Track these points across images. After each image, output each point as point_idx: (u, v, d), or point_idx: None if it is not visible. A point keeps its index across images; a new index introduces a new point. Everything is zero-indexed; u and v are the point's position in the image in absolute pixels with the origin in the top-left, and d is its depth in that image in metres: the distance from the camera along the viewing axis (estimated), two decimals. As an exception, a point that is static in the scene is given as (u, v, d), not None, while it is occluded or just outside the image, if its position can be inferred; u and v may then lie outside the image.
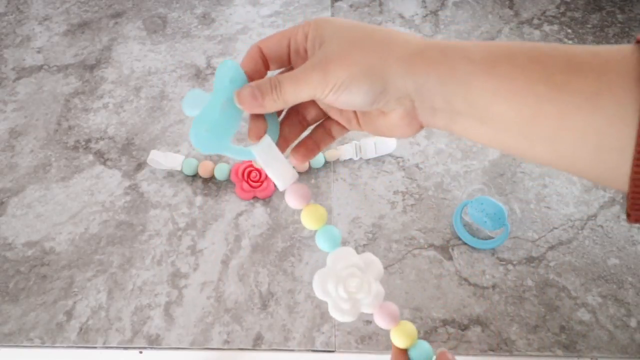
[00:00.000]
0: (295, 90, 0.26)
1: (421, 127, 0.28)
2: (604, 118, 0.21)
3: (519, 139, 0.24)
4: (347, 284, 0.29)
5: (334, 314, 0.29)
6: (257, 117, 0.29)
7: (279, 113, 0.31)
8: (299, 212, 0.52)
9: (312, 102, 0.30)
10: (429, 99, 0.25)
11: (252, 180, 0.52)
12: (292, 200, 0.30)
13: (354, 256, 0.30)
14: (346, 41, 0.26)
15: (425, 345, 0.31)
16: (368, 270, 0.30)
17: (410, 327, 0.31)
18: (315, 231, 0.30)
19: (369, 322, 0.45)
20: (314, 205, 0.30)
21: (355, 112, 0.29)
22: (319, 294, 0.29)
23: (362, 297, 0.29)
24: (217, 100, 0.28)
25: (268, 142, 0.29)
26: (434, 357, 0.31)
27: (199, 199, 0.53)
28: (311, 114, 0.31)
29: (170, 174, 0.54)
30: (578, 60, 0.22)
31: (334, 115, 0.31)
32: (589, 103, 0.21)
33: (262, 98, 0.27)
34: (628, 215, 0.23)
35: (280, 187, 0.30)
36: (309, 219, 0.30)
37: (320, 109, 0.31)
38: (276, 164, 0.29)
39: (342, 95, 0.26)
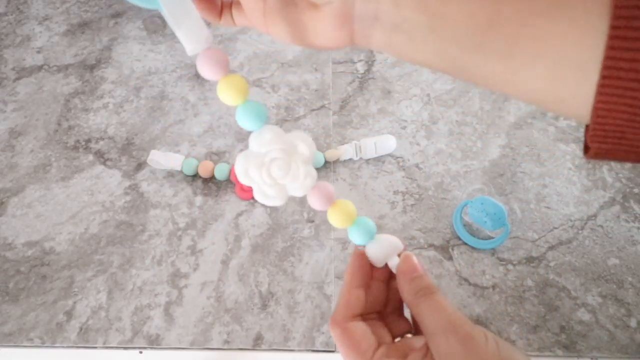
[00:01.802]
0: None
1: (351, 39, 0.24)
2: (569, 24, 0.18)
3: (471, 51, 0.21)
4: (270, 170, 0.26)
5: (258, 198, 0.27)
6: None
7: None
8: (299, 212, 0.52)
9: None
10: None
11: (252, 180, 0.52)
12: (205, 68, 0.24)
13: (278, 137, 0.26)
14: None
15: (364, 220, 0.28)
16: (295, 153, 0.26)
17: (348, 204, 0.28)
18: (236, 108, 0.26)
19: (369, 322, 0.45)
20: (233, 75, 0.25)
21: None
22: (242, 179, 0.26)
23: (289, 182, 0.26)
24: None
25: None
26: (379, 236, 0.29)
27: (199, 199, 0.53)
28: None
29: (170, 174, 0.54)
30: None
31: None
32: (553, 7, 0.19)
33: None
34: (586, 149, 0.21)
35: (190, 50, 0.24)
36: (228, 91, 0.25)
37: None
38: (187, 19, 0.24)
39: None
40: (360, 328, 0.26)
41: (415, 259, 0.28)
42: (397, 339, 0.28)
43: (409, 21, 0.22)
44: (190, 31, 0.24)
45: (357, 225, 0.28)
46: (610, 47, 0.18)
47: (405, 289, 0.26)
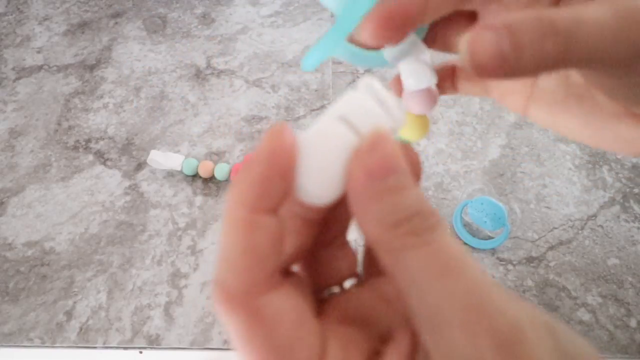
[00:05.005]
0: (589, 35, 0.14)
1: None
2: None
3: None
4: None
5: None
6: None
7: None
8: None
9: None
10: None
11: (252, 180, 0.52)
12: (419, 104, 0.24)
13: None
14: None
15: None
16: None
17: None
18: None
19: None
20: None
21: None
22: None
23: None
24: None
25: (413, 39, 0.23)
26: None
27: (199, 199, 0.53)
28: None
29: (170, 174, 0.54)
30: None
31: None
32: None
33: (516, 41, 0.14)
34: None
35: (412, 85, 0.24)
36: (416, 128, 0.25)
37: None
38: (417, 62, 0.23)
39: None
40: (290, 314, 0.13)
41: (391, 138, 0.14)
42: (326, 291, 0.16)
43: None
44: (420, 72, 0.23)
45: None
46: None
47: (370, 212, 0.12)
